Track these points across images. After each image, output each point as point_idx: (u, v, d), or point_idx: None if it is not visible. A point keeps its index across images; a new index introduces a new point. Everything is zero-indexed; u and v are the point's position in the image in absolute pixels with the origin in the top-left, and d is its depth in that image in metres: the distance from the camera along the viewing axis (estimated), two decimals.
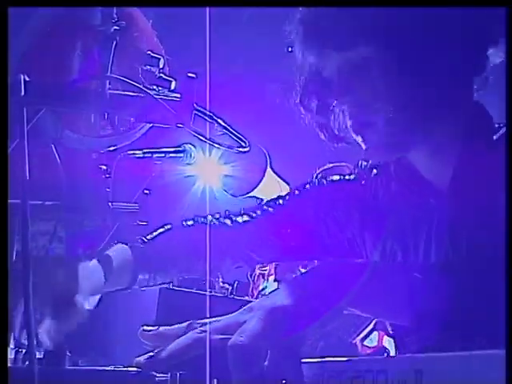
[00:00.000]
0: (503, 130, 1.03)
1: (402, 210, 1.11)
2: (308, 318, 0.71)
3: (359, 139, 1.04)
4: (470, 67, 1.03)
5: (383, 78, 1.00)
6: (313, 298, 0.72)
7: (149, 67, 1.16)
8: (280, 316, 0.70)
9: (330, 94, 1.05)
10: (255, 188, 1.86)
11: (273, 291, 0.75)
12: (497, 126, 1.05)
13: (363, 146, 1.04)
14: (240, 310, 0.75)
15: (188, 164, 1.62)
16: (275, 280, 2.40)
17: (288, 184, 2.16)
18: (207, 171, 2.01)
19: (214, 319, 0.75)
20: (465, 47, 1.00)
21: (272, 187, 2.06)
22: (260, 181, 1.83)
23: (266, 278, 2.38)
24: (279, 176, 2.07)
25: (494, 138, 1.02)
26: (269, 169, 1.89)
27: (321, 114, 1.08)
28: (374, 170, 1.17)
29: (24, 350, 0.87)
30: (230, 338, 0.69)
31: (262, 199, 2.26)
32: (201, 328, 0.73)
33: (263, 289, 2.35)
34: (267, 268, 2.37)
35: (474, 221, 0.98)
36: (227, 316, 0.75)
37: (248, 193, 1.87)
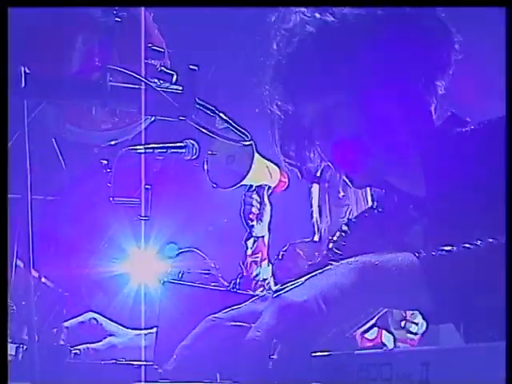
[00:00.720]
0: (472, 127, 1.09)
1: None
2: (323, 315, 0.71)
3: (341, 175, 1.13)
4: (430, 79, 1.09)
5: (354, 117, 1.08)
6: (330, 295, 0.72)
7: (150, 60, 1.15)
8: (297, 312, 0.70)
9: (307, 139, 1.14)
10: (245, 178, 1.83)
11: (288, 285, 0.75)
12: (467, 119, 1.11)
13: (348, 182, 1.13)
14: (254, 299, 0.74)
15: (189, 160, 1.62)
16: (269, 264, 2.40)
17: (278, 166, 2.11)
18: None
19: (229, 309, 0.75)
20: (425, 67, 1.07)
21: (261, 172, 2.03)
22: (249, 170, 1.80)
23: (258, 264, 2.37)
24: (267, 159, 2.04)
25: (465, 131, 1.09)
26: (256, 154, 1.85)
27: (299, 159, 1.17)
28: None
29: (25, 347, 0.86)
30: (245, 327, 0.69)
31: (251, 185, 2.23)
32: (215, 316, 0.74)
33: (257, 275, 2.35)
34: (259, 255, 2.36)
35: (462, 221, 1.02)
36: (243, 305, 0.75)
37: (237, 183, 1.84)
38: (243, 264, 2.37)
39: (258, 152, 1.86)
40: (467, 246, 0.78)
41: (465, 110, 1.14)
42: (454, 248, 0.78)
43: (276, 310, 0.70)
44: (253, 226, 2.35)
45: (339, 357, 0.69)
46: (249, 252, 2.39)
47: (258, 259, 2.37)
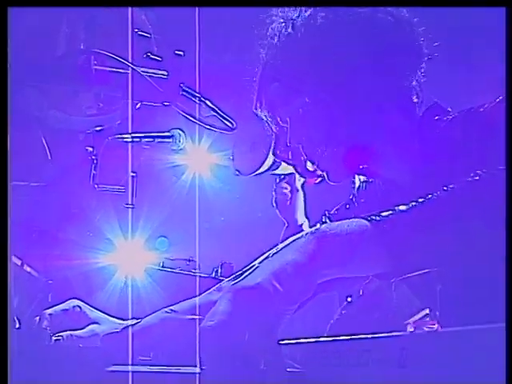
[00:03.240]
0: (452, 115, 1.10)
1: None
2: (282, 296, 0.70)
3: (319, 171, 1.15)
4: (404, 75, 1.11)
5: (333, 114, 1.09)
6: (283, 273, 0.71)
7: (136, 45, 1.15)
8: (252, 296, 0.69)
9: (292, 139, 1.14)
10: (262, 165, 1.81)
11: (244, 270, 0.74)
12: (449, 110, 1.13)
13: (325, 175, 1.14)
14: (209, 290, 0.74)
15: (176, 150, 1.61)
16: None
17: None
18: (197, 160, 1.99)
19: (185, 301, 0.74)
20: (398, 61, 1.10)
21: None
22: (266, 158, 1.79)
23: None
24: None
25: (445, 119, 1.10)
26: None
27: (294, 160, 1.18)
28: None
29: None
30: (200, 319, 0.69)
31: (279, 175, 2.20)
32: (170, 308, 0.73)
33: None
34: None
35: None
36: (198, 296, 0.74)
37: (257, 170, 1.83)
38: None
39: None
40: (416, 204, 0.77)
41: (448, 101, 1.16)
42: (405, 208, 0.76)
43: (231, 297, 0.69)
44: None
45: (317, 343, 0.69)
46: None
47: None
